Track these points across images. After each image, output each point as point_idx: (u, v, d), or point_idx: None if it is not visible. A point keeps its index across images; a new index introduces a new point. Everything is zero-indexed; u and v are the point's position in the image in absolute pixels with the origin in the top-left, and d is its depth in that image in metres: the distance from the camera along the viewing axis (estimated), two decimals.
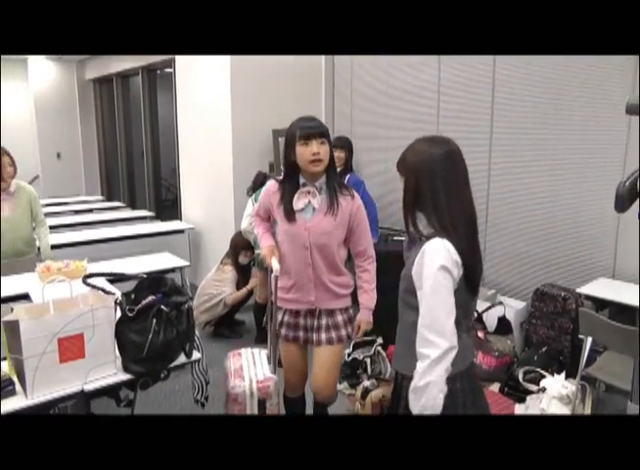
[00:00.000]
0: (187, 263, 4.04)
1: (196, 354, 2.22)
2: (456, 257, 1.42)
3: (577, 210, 3.59)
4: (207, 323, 4.25)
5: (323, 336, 2.26)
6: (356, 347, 3.23)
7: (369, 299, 2.30)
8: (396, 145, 4.56)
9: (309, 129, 2.08)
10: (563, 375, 2.93)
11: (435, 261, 1.40)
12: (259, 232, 2.34)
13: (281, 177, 2.24)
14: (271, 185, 2.25)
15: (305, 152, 2.07)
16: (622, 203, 1.18)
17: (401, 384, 1.59)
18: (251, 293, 4.24)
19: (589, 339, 2.77)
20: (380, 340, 3.25)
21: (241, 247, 4.16)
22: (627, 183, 1.18)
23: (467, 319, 1.56)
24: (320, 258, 2.18)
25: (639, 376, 1.28)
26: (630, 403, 1.38)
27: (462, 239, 1.45)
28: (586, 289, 3.25)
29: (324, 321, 2.26)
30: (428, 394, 1.37)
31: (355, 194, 2.24)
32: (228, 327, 4.36)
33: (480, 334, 3.49)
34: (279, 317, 2.30)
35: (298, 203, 2.15)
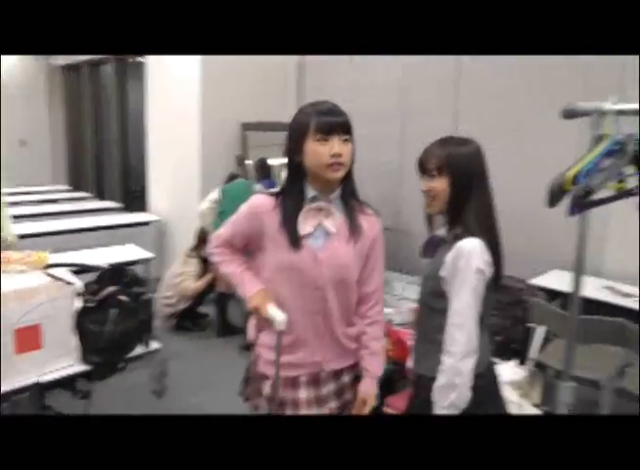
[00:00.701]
0: (151, 255, 4.04)
1: (154, 345, 2.25)
2: (487, 256, 1.45)
3: (535, 203, 3.67)
4: (171, 316, 4.24)
5: (331, 405, 1.61)
6: None
7: (378, 364, 1.66)
8: (364, 144, 4.60)
9: (330, 119, 1.48)
10: (513, 362, 3.04)
11: (472, 263, 1.42)
12: (232, 271, 1.62)
13: (276, 189, 1.64)
14: (262, 201, 1.59)
15: (322, 151, 1.47)
16: (552, 199, 1.25)
17: (423, 385, 1.54)
18: (213, 285, 4.22)
19: (542, 328, 2.89)
20: None
21: (204, 239, 4.14)
22: (557, 181, 1.26)
23: (487, 317, 1.55)
24: (336, 302, 1.57)
25: (569, 357, 1.36)
26: (561, 382, 1.47)
27: (492, 238, 1.49)
28: (539, 280, 3.38)
29: (332, 387, 1.63)
30: (458, 391, 1.42)
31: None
32: (191, 320, 4.36)
33: None
34: (264, 390, 1.63)
35: (306, 225, 1.54)
